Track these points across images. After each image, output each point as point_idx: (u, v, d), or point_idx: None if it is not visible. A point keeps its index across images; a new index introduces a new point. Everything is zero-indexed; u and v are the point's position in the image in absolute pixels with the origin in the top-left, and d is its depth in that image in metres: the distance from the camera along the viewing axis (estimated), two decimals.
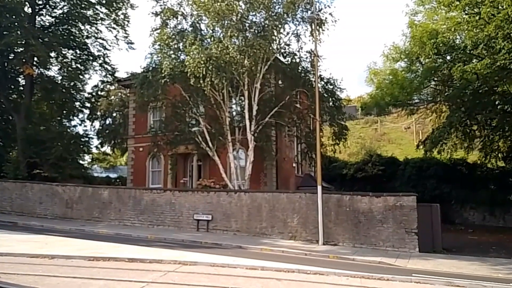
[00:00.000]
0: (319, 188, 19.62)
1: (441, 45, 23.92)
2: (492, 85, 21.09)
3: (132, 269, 11.67)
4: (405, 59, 28.96)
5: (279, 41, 24.61)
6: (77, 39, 35.53)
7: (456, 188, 31.92)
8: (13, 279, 9.88)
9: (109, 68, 37.03)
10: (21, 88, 36.04)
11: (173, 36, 24.41)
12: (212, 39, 23.45)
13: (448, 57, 25.75)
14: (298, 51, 25.43)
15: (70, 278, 10.28)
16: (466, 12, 22.38)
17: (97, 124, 50.19)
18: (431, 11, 26.81)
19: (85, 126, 57.55)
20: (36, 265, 11.74)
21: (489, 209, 31.37)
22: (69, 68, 35.47)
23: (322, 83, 25.98)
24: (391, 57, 29.57)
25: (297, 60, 25.60)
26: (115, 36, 36.32)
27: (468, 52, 23.36)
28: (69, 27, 35.23)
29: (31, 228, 21.53)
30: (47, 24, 35.34)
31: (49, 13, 35.19)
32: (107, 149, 53.34)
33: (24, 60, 31.38)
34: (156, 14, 24.80)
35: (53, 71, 36.76)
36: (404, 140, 45.78)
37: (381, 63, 31.18)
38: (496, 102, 21.26)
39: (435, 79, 29.22)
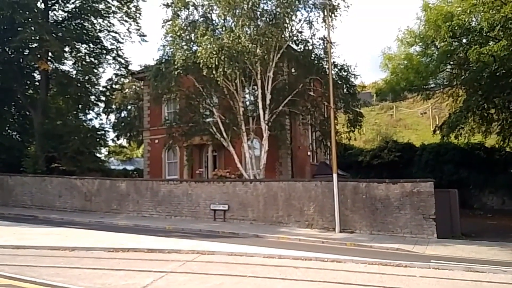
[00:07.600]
0: (335, 175, 19.54)
1: (456, 28, 23.52)
2: (510, 67, 20.71)
3: (152, 259, 11.85)
4: (420, 43, 28.55)
5: (291, 29, 24.37)
6: (90, 33, 35.77)
7: (474, 173, 31.47)
8: (35, 271, 10.12)
9: (122, 61, 37.23)
10: (37, 83, 36.47)
11: (185, 27, 24.36)
12: (223, 29, 23.40)
13: (464, 40, 25.31)
14: (311, 38, 25.20)
15: (91, 270, 10.47)
16: None
17: (112, 117, 50.95)
18: None
19: (100, 119, 58.24)
20: (58, 257, 12.00)
21: (508, 193, 30.85)
22: (83, 62, 35.71)
23: (336, 70, 25.74)
24: (405, 42, 29.18)
25: (310, 47, 25.34)
26: (128, 29, 36.51)
27: (484, 34, 22.92)
28: (82, 21, 35.47)
29: (52, 221, 21.95)
30: (60, 19, 35.60)
31: (61, 8, 35.44)
32: (123, 141, 54.10)
33: (39, 56, 31.75)
34: (167, 6, 24.77)
35: (67, 65, 37.24)
36: (421, 126, 45.23)
37: (396, 48, 30.81)
38: None
39: (451, 62, 28.74)
